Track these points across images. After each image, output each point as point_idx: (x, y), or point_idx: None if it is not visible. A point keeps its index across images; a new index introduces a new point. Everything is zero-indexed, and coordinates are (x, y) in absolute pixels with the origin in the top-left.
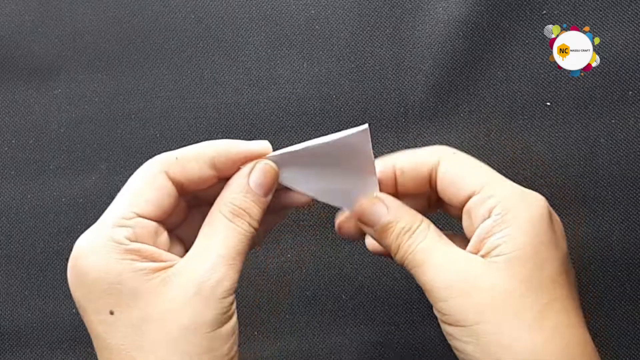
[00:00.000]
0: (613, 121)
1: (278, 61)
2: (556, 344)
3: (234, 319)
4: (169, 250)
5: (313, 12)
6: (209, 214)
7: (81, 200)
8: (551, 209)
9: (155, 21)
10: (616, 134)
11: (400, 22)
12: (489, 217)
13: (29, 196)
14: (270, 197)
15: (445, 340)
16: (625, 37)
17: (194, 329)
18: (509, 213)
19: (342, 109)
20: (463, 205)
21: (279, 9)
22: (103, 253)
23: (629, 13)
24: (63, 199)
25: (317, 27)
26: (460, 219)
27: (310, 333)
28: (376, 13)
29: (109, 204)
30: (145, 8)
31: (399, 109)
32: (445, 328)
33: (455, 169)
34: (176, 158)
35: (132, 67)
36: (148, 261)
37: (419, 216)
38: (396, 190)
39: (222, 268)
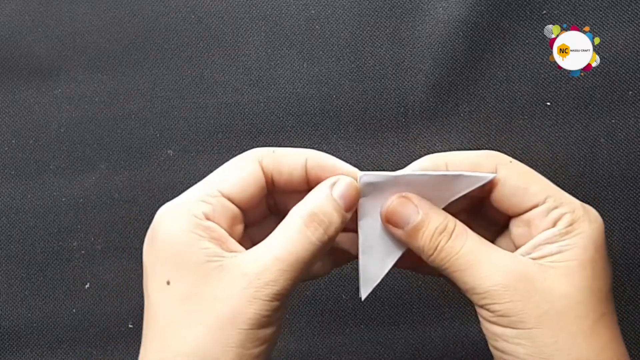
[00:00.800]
0: (613, 121)
1: (278, 61)
2: (608, 356)
3: (275, 328)
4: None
5: (313, 12)
6: (287, 216)
7: (81, 200)
8: None
9: (155, 21)
10: (616, 134)
11: (400, 22)
12: (552, 227)
13: (29, 196)
14: (350, 214)
15: (445, 340)
16: (625, 37)
17: (231, 321)
18: (574, 225)
19: (342, 109)
20: (519, 215)
21: (279, 9)
22: (177, 223)
23: (629, 13)
24: (63, 199)
25: (317, 27)
26: (500, 225)
27: (310, 333)
28: (376, 13)
29: (109, 204)
30: (145, 8)
31: (399, 109)
32: (494, 329)
33: (517, 179)
34: (273, 151)
35: (132, 67)
36: (215, 243)
37: (450, 216)
38: None
39: (275, 271)
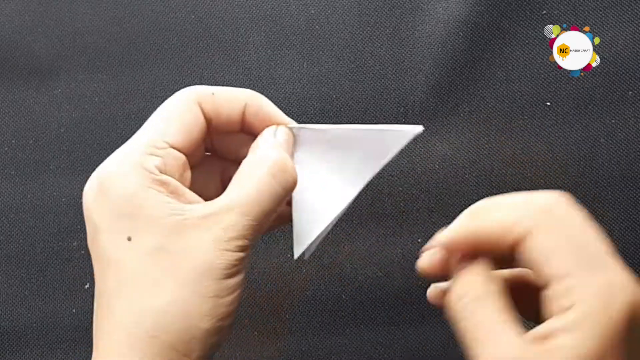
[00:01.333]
0: (613, 121)
1: (278, 61)
2: None
3: (243, 274)
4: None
5: (313, 12)
6: (243, 167)
7: (81, 200)
8: (637, 307)
9: (155, 21)
10: (616, 134)
11: (400, 22)
12: (561, 313)
13: (29, 196)
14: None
15: (445, 340)
16: (625, 37)
17: (205, 272)
18: (584, 317)
19: (342, 109)
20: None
21: (279, 9)
22: (131, 178)
23: (629, 13)
24: (63, 199)
25: (317, 27)
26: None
27: (310, 333)
28: (376, 13)
29: None
30: (145, 8)
31: (399, 109)
32: None
33: (543, 246)
34: (212, 93)
35: (132, 67)
36: (173, 197)
37: (477, 277)
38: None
39: (241, 223)
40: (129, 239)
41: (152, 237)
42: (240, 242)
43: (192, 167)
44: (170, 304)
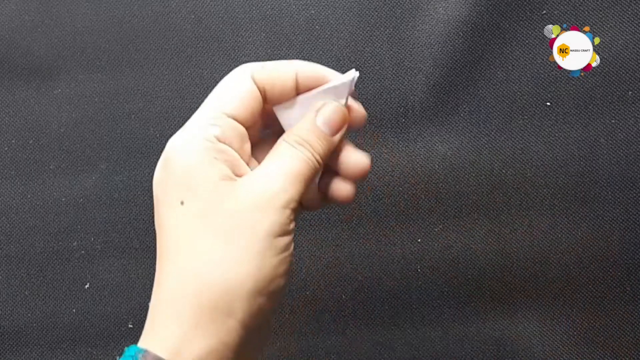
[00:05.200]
0: (613, 121)
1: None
2: None
3: (290, 238)
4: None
5: (313, 12)
6: (276, 144)
7: (81, 200)
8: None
9: (155, 21)
10: (616, 134)
11: (400, 22)
12: None
13: (29, 196)
14: (337, 137)
15: (445, 340)
16: (625, 37)
17: (251, 231)
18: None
19: None
20: None
21: (279, 9)
22: (190, 147)
23: (629, 13)
24: (63, 199)
25: (317, 27)
26: None
27: (310, 333)
28: (376, 13)
29: (109, 204)
30: (145, 8)
31: (399, 109)
32: None
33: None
34: (262, 66)
35: (132, 67)
36: (228, 165)
37: None
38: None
39: (282, 183)
40: (182, 203)
41: (201, 200)
42: (287, 198)
43: (253, 143)
44: (215, 262)
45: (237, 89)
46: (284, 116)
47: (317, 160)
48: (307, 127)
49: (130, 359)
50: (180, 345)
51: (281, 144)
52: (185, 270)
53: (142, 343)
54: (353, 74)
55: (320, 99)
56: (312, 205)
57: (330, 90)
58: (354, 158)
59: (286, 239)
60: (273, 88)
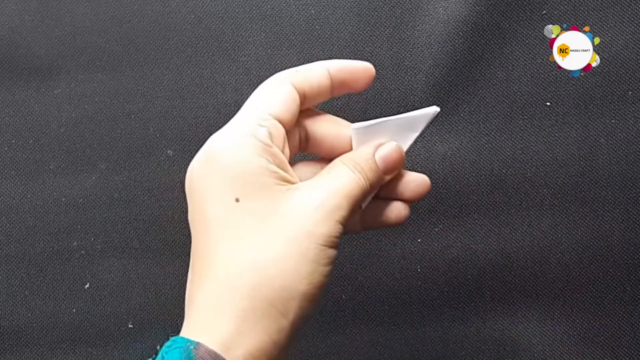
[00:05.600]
0: (613, 121)
1: (278, 61)
2: None
3: (336, 252)
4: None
5: (313, 12)
6: (332, 163)
7: (81, 200)
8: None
9: (155, 21)
10: (616, 134)
11: (400, 22)
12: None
13: (29, 196)
14: (388, 178)
15: (445, 340)
16: (625, 37)
17: (308, 236)
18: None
19: (342, 109)
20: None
21: (279, 9)
22: (244, 146)
23: (629, 13)
24: (63, 199)
25: (317, 27)
26: None
27: (310, 333)
28: (376, 13)
29: (109, 204)
30: (145, 8)
31: (399, 109)
32: None
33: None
34: (296, 70)
35: (132, 67)
36: (279, 168)
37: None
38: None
39: (338, 198)
40: (237, 200)
41: (259, 200)
42: (338, 214)
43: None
44: (274, 260)
45: (279, 92)
46: (358, 136)
47: (369, 187)
48: (365, 156)
49: (179, 351)
50: (232, 339)
51: (339, 165)
52: (244, 263)
53: (188, 334)
54: (435, 109)
55: (397, 125)
56: (352, 229)
57: (407, 119)
58: (415, 180)
59: (334, 252)
60: (312, 89)
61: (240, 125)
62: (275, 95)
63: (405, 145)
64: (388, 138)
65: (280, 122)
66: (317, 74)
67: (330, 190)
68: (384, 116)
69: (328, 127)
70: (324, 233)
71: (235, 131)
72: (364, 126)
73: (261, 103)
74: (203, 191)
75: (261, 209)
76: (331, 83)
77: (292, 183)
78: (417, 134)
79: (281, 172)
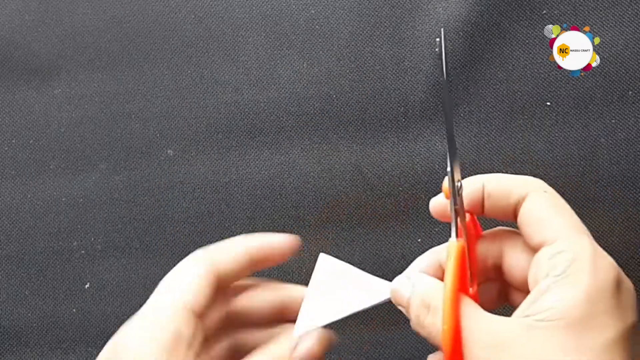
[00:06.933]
0: (613, 121)
1: (278, 61)
2: None
3: None
4: None
5: (313, 12)
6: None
7: (81, 200)
8: (623, 276)
9: (155, 21)
10: (616, 134)
11: (400, 22)
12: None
13: (29, 196)
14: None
15: None
16: (625, 37)
17: None
18: (571, 276)
19: (342, 109)
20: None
21: (279, 9)
22: (151, 343)
23: (629, 13)
24: (63, 199)
25: (317, 27)
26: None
27: None
28: (376, 13)
29: (109, 204)
30: (145, 8)
31: (399, 108)
32: None
33: (540, 209)
34: (212, 251)
35: (132, 66)
36: None
37: (435, 288)
38: (482, 212)
39: None
40: None
41: None
42: None
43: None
44: None
45: (192, 278)
46: (315, 282)
47: None
48: (283, 353)
49: None
50: None
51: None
52: None
53: None
54: (389, 293)
55: (356, 280)
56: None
57: (369, 284)
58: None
59: None
60: (228, 270)
61: (148, 319)
62: (188, 281)
63: (352, 308)
64: (343, 288)
65: (192, 309)
66: (233, 254)
67: None
68: (384, 117)
69: (262, 298)
70: None
71: (143, 325)
72: (331, 262)
73: (173, 293)
74: None
75: None
76: (250, 262)
77: None
78: (366, 306)
79: None
